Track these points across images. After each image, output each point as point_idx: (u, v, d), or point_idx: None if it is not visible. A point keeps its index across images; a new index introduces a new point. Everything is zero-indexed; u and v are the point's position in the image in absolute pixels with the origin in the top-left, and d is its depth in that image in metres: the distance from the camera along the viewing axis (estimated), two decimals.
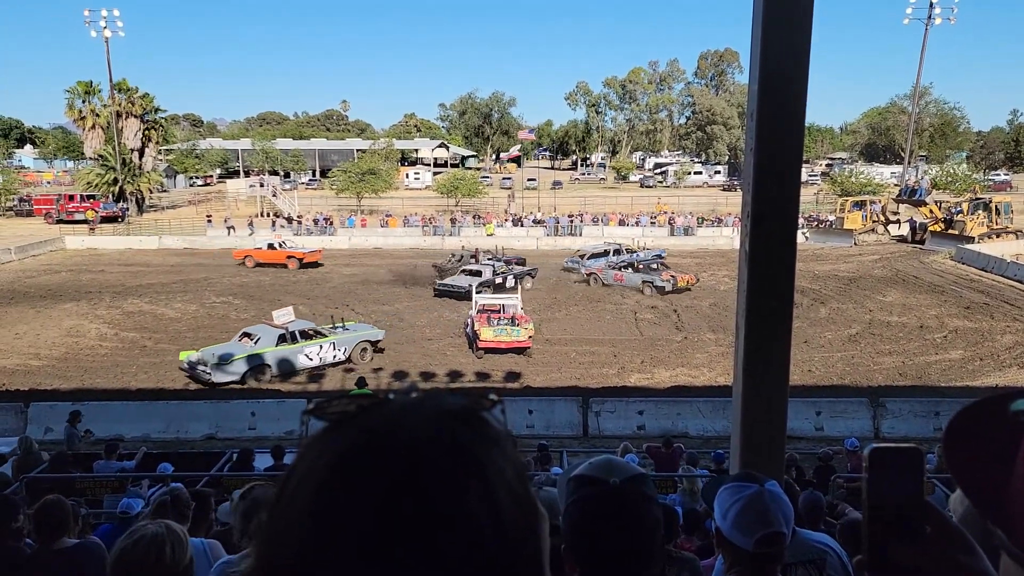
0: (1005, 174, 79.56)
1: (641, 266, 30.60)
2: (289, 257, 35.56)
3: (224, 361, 18.35)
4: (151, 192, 60.54)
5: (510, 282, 29.11)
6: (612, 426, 15.67)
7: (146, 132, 58.42)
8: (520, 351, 20.81)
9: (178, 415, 15.97)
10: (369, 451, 0.62)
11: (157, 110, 59.95)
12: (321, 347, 19.76)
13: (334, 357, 20.05)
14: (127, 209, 53.76)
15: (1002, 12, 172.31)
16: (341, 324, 21.20)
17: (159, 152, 65.07)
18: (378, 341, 21.08)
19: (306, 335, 19.71)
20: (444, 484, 0.60)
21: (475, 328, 21.02)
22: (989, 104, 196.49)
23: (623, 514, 1.37)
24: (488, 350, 20.69)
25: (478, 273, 28.81)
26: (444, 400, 0.68)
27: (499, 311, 21.91)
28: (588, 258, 34.39)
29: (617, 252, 35.27)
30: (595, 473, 1.42)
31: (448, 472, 0.61)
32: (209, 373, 18.22)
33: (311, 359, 19.67)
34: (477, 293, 25.15)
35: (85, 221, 48.70)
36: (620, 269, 30.52)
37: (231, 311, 26.90)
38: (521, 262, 35.23)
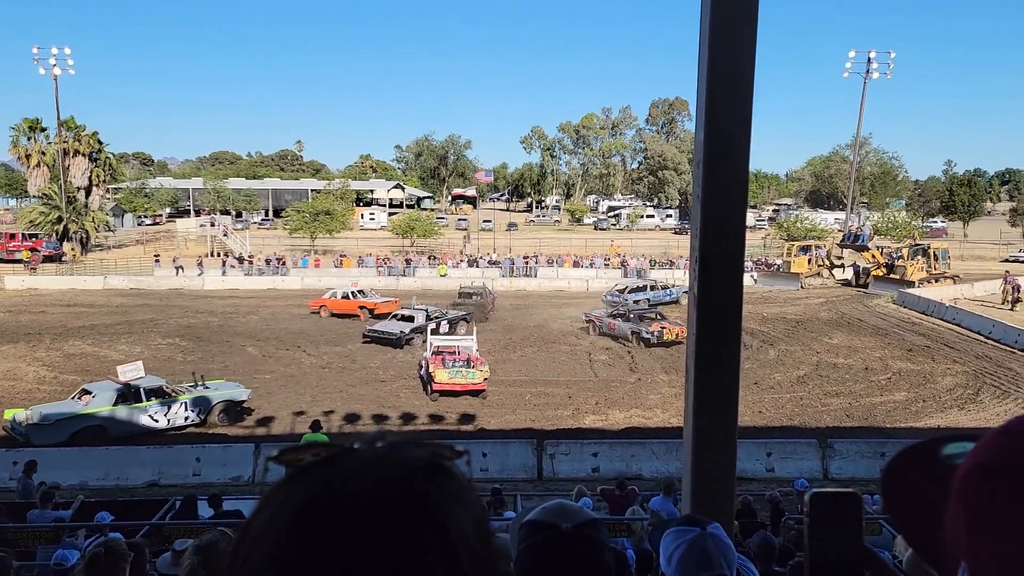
0: (941, 221, 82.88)
1: (632, 315, 29.01)
2: (361, 307, 33.17)
3: (46, 422, 16.55)
4: (97, 231, 59.04)
5: (444, 327, 28.15)
6: (567, 468, 15.60)
7: (94, 170, 57.23)
8: (475, 393, 20.60)
9: (118, 461, 15.38)
10: (332, 503, 0.61)
11: (102, 148, 58.79)
12: (170, 408, 18.07)
13: (186, 419, 18.35)
14: (61, 252, 51.89)
15: (937, 68, 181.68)
16: (201, 382, 19.38)
17: (107, 191, 63.71)
18: (243, 401, 19.39)
19: (154, 393, 18.03)
20: (405, 540, 0.60)
21: (430, 370, 20.73)
22: (925, 154, 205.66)
23: (575, 560, 1.36)
24: (443, 392, 20.43)
25: (410, 319, 27.89)
26: (409, 452, 0.68)
27: (455, 352, 21.69)
28: (628, 292, 35.76)
29: (653, 288, 37.06)
30: (547, 518, 1.41)
31: (409, 528, 0.61)
32: (24, 435, 16.45)
33: (156, 420, 17.88)
34: (408, 341, 25.42)
35: (34, 252, 47.18)
36: (614, 318, 29.25)
37: (177, 353, 26.22)
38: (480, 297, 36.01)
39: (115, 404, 17.47)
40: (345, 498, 0.61)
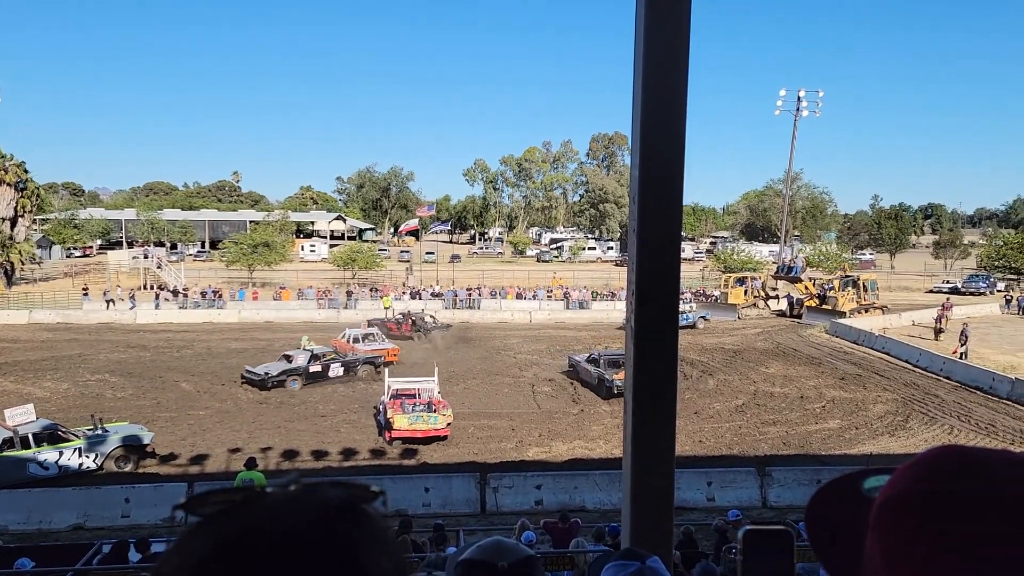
0: (870, 254, 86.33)
1: (602, 361, 25.89)
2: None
3: None
4: (23, 264, 56.75)
5: (334, 371, 26.13)
6: (510, 501, 15.48)
7: (19, 201, 55.17)
8: (437, 439, 19.41)
9: (41, 503, 14.62)
10: (241, 548, 0.59)
11: (29, 178, 56.77)
12: (62, 453, 17.00)
13: (80, 465, 17.25)
14: None
15: (863, 106, 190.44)
16: (99, 425, 18.30)
17: (33, 222, 61.40)
18: (146, 445, 18.30)
19: (45, 438, 16.98)
20: None
21: (387, 415, 19.39)
22: (854, 189, 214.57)
23: None
24: (404, 439, 19.15)
25: (289, 359, 26.03)
26: (323, 493, 0.65)
27: (414, 396, 20.38)
28: None
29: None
30: (483, 557, 1.39)
31: (325, 569, 0.59)
32: None
33: (47, 468, 16.76)
34: (277, 384, 24.38)
35: None
36: (590, 362, 26.62)
37: (107, 389, 25.21)
38: (425, 329, 36.02)
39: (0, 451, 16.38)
40: (259, 542, 0.59)
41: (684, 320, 39.43)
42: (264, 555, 0.58)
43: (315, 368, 25.77)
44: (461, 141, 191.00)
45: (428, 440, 19.40)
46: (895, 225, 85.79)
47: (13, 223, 55.05)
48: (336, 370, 26.24)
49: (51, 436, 17.16)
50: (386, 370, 25.51)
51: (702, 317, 41.07)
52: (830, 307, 42.20)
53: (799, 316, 43.75)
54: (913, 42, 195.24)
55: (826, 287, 44.39)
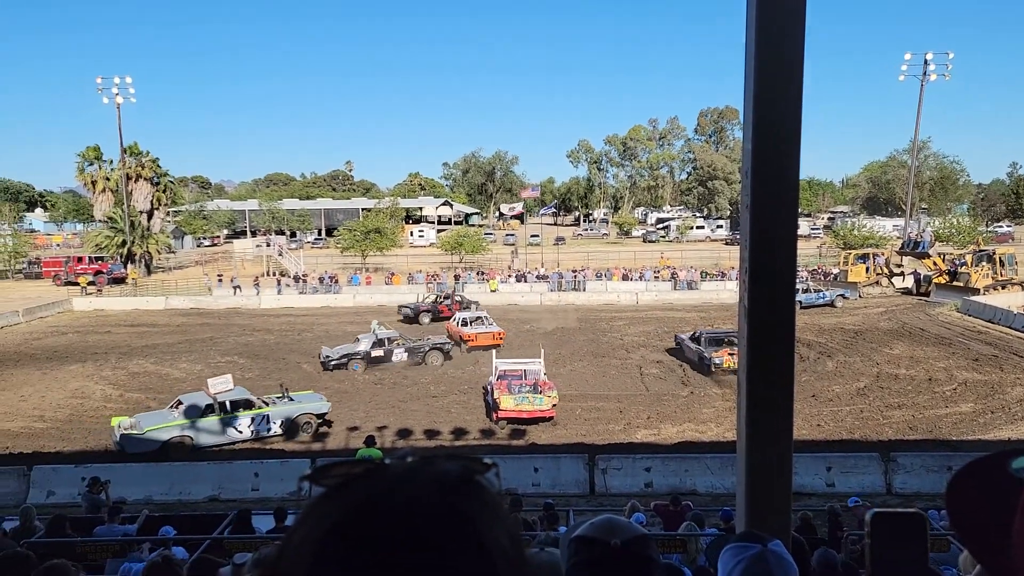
0: (1007, 226, 79.97)
1: (704, 339, 26.05)
2: (459, 336, 29.75)
3: (140, 432, 17.59)
4: (159, 253, 61.15)
5: (397, 356, 26.32)
6: (619, 483, 15.42)
7: (155, 194, 59.35)
8: (543, 420, 19.53)
9: (181, 477, 15.78)
10: (365, 518, 0.62)
11: (166, 173, 60.98)
12: (253, 419, 18.85)
13: (270, 430, 19.07)
14: (124, 275, 53.37)
15: (997, 67, 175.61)
16: (285, 394, 20.10)
17: (168, 214, 65.96)
18: (324, 413, 19.89)
19: (239, 405, 18.79)
20: (440, 551, 0.61)
21: (494, 396, 19.69)
22: (988, 157, 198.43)
23: None
24: (509, 420, 19.40)
25: (357, 342, 26.83)
26: (439, 466, 0.69)
27: (520, 377, 20.59)
28: None
29: (805, 291, 37.91)
30: (596, 534, 1.40)
31: (444, 539, 0.62)
32: (120, 445, 17.46)
33: (241, 432, 18.68)
34: (337, 366, 24.80)
35: (91, 283, 49.00)
36: (691, 340, 26.79)
37: (236, 370, 26.78)
38: (470, 305, 36.25)
39: (203, 416, 18.32)
40: (379, 513, 0.63)
41: (820, 299, 38.52)
42: (385, 524, 0.62)
43: (377, 353, 26.18)
44: (565, 123, 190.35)
45: (533, 421, 19.52)
46: None
47: (150, 215, 59.40)
48: (400, 355, 26.44)
49: (245, 403, 19.00)
50: (494, 351, 25.93)
51: (841, 295, 39.45)
52: (962, 284, 39.47)
53: (927, 294, 41.18)
54: None
55: (957, 263, 41.50)
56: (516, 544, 0.68)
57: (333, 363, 25.86)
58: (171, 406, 19.05)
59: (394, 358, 26.37)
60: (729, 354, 24.21)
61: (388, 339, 27.08)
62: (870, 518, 0.85)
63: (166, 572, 4.21)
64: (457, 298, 37.72)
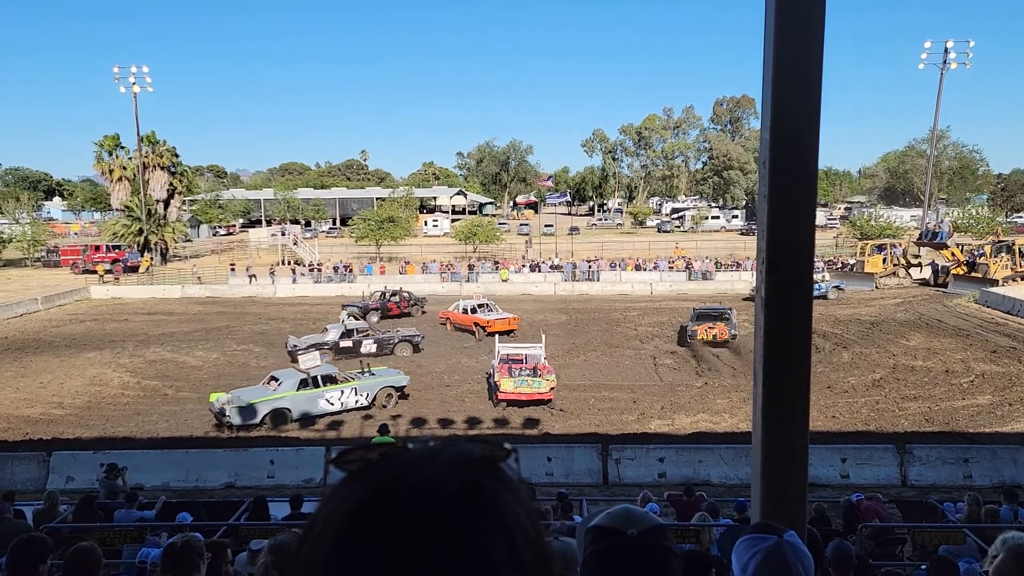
0: None
1: (695, 313, 28.76)
2: (474, 324, 30.64)
3: (242, 406, 18.64)
4: (176, 242, 61.59)
5: (366, 347, 26.00)
6: (632, 474, 15.42)
7: (171, 183, 59.71)
8: (541, 403, 20.18)
9: (197, 463, 15.93)
10: (388, 499, 0.63)
11: (180, 162, 61.31)
12: (343, 392, 19.95)
13: (356, 402, 20.18)
14: (139, 264, 53.71)
15: (1018, 56, 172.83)
16: (367, 369, 21.35)
17: (184, 203, 66.35)
18: (403, 387, 21.10)
19: (328, 380, 19.90)
20: (463, 529, 0.62)
21: (495, 379, 20.51)
22: (1009, 147, 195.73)
23: (641, 567, 1.35)
24: (509, 402, 20.13)
25: (326, 331, 26.89)
26: (461, 448, 0.70)
27: (521, 361, 21.42)
28: None
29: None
30: (613, 524, 1.40)
31: (467, 517, 0.63)
32: (227, 417, 18.52)
33: (332, 404, 19.78)
34: (301, 354, 23.63)
35: (109, 271, 49.46)
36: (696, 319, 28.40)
37: (251, 359, 27.05)
38: (418, 302, 35.99)
39: (298, 390, 19.37)
40: (402, 493, 0.64)
41: (815, 290, 37.82)
42: (407, 504, 0.62)
43: (346, 343, 26.11)
44: (579, 112, 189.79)
45: (532, 403, 20.08)
46: None
47: (166, 204, 59.81)
48: (369, 346, 26.27)
49: (333, 378, 20.07)
50: (496, 336, 26.00)
51: (836, 287, 39.08)
52: (980, 275, 39.08)
53: (944, 285, 40.79)
54: None
55: (976, 253, 41.09)
56: (536, 527, 0.69)
57: (300, 352, 25.46)
58: (265, 381, 20.17)
59: (363, 349, 26.16)
60: (708, 328, 27.27)
61: (357, 330, 27.11)
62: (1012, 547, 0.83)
63: (184, 557, 4.24)
64: (405, 295, 36.53)
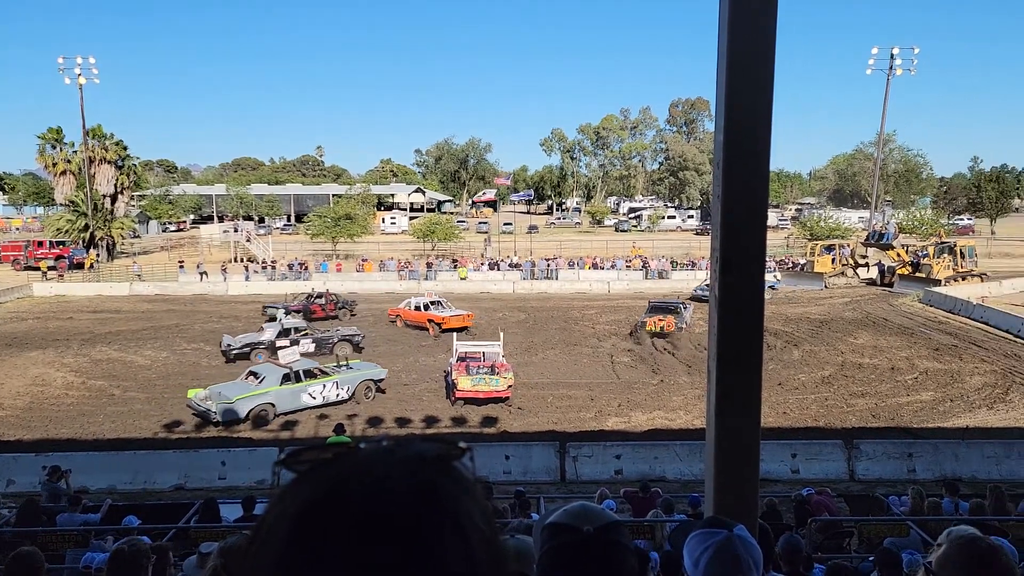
0: (968, 219, 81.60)
1: (649, 306, 30.86)
2: (429, 320, 30.53)
3: (229, 402, 18.50)
4: (123, 238, 59.98)
5: (304, 347, 24.96)
6: (589, 471, 15.54)
7: (119, 178, 58.13)
8: (499, 400, 20.20)
9: (145, 465, 15.55)
10: (339, 499, 0.62)
11: (128, 156, 59.71)
12: (324, 386, 19.99)
13: (337, 396, 20.22)
14: (82, 260, 52.01)
15: (961, 63, 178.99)
16: (345, 363, 21.43)
17: (132, 198, 64.68)
18: (381, 380, 21.22)
19: (310, 374, 19.96)
20: (417, 529, 0.61)
21: (453, 377, 20.44)
22: (951, 151, 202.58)
23: (597, 563, 1.36)
24: (466, 400, 20.09)
25: (262, 330, 26.51)
26: (415, 447, 0.69)
27: (479, 359, 21.39)
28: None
29: None
30: (569, 521, 1.40)
31: (420, 517, 0.62)
32: (214, 413, 18.36)
33: (314, 398, 19.84)
34: (237, 354, 23.88)
35: (52, 268, 47.97)
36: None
37: (202, 358, 26.49)
38: (346, 304, 34.79)
39: (281, 384, 19.36)
40: (353, 493, 0.62)
41: None
42: (359, 504, 0.61)
43: (283, 343, 25.14)
44: (538, 111, 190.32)
45: (489, 401, 20.08)
46: (996, 188, 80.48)
47: (114, 199, 58.18)
48: (307, 346, 25.61)
49: (314, 373, 20.18)
50: (454, 335, 25.94)
51: (770, 287, 39.74)
52: (924, 275, 40.34)
53: (890, 285, 41.99)
54: None
55: (920, 254, 42.38)
56: (492, 526, 0.68)
57: (235, 352, 25.31)
58: (243, 377, 20.02)
59: (300, 349, 25.15)
60: (657, 320, 28.40)
61: (295, 329, 26.64)
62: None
63: (132, 562, 4.13)
64: (332, 296, 35.13)
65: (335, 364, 21.23)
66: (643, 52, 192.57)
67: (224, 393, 18.84)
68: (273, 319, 30.38)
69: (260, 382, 19.29)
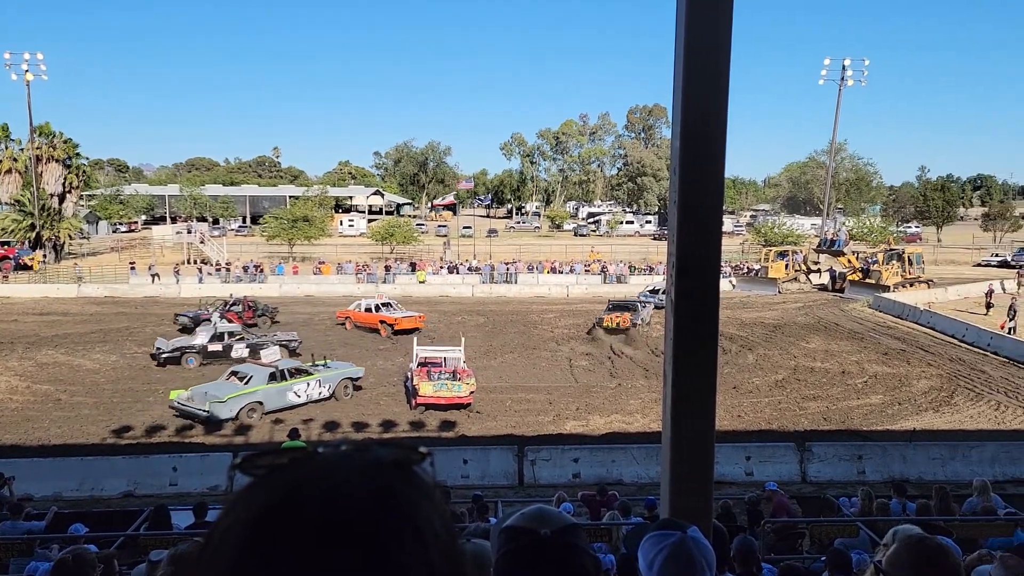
0: (916, 227, 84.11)
1: (609, 304, 32.42)
2: (381, 322, 30.36)
3: (219, 400, 18.50)
4: (71, 238, 58.30)
5: (237, 352, 24.70)
6: (547, 474, 15.58)
7: (67, 177, 56.52)
8: (461, 407, 19.98)
9: (93, 471, 15.11)
10: (295, 504, 0.61)
11: (77, 154, 58.10)
12: (308, 384, 20.28)
13: (319, 394, 20.50)
14: (12, 259, 50.15)
15: (910, 75, 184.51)
16: (323, 362, 21.72)
17: (81, 198, 62.93)
18: (359, 378, 21.66)
19: (294, 373, 20.25)
20: (374, 535, 0.60)
21: (414, 382, 20.14)
22: (899, 160, 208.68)
23: (554, 566, 1.36)
24: (428, 406, 19.83)
25: (196, 334, 26.05)
26: (373, 452, 0.68)
27: (440, 364, 21.13)
28: (652, 292, 37.65)
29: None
30: (526, 524, 1.40)
31: (378, 522, 0.61)
32: (206, 412, 18.36)
33: (299, 396, 20.06)
34: (169, 359, 23.71)
35: None
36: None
37: (153, 362, 25.87)
38: (266, 311, 33.51)
39: (268, 383, 19.58)
40: (310, 498, 0.61)
41: None
42: (315, 510, 0.60)
43: (215, 347, 25.07)
44: (498, 115, 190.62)
45: (451, 407, 19.90)
46: (942, 197, 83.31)
47: (61, 199, 56.52)
48: (240, 350, 25.02)
49: (298, 371, 20.54)
50: (414, 338, 25.80)
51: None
52: (873, 281, 41.42)
53: (841, 290, 43.05)
54: (962, 7, 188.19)
55: (870, 261, 43.51)
56: (450, 531, 0.68)
57: (164, 356, 24.68)
58: (225, 377, 20.13)
59: (233, 353, 24.89)
60: (614, 317, 29.63)
61: (229, 333, 26.05)
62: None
63: (76, 571, 4.01)
64: (250, 303, 33.37)
65: (311, 363, 21.34)
66: (602, 58, 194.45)
67: (212, 393, 18.84)
68: (185, 329, 29.48)
69: (246, 382, 19.39)
